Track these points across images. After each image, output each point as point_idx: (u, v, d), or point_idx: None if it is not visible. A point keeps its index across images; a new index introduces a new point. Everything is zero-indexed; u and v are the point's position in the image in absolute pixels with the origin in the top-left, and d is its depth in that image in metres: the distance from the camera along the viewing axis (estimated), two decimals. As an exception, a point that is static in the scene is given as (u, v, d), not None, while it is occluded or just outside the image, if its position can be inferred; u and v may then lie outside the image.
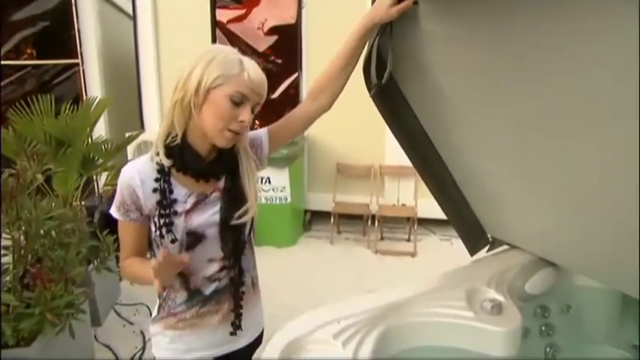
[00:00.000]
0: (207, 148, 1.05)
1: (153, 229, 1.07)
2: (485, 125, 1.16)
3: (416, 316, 1.19)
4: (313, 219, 4.56)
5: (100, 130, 4.20)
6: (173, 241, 1.05)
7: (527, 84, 0.94)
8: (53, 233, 2.01)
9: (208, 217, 1.07)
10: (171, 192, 1.04)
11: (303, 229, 4.42)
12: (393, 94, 1.26)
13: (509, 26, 0.87)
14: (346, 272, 3.54)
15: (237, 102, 0.97)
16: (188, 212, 1.05)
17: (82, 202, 2.81)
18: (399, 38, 1.07)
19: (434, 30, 1.02)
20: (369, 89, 1.13)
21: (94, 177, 3.27)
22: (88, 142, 2.76)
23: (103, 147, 2.77)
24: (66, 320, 1.80)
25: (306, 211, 4.49)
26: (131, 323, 2.82)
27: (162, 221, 1.04)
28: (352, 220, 4.38)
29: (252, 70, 0.99)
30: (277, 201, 3.91)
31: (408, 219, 4.12)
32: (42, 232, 1.84)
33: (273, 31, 4.39)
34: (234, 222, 1.07)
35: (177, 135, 1.02)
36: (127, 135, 3.21)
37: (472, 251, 1.67)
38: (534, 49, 0.86)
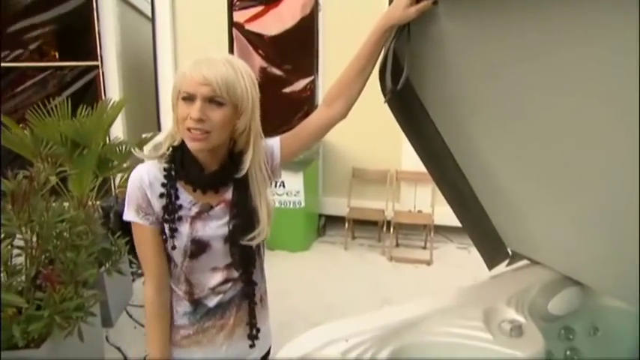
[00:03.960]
0: (208, 158, 1.02)
1: None
2: (508, 134, 1.10)
3: (429, 335, 1.13)
4: (327, 224, 4.51)
5: (118, 131, 4.25)
6: (173, 248, 1.03)
7: (555, 91, 0.88)
8: (66, 234, 2.02)
9: (214, 229, 1.04)
10: (177, 197, 1.02)
11: (317, 234, 4.37)
12: (409, 99, 1.20)
13: (538, 27, 0.81)
14: (360, 279, 3.47)
15: (187, 100, 0.94)
16: (193, 220, 1.03)
17: (98, 202, 2.83)
18: (416, 41, 1.02)
19: (455, 31, 0.96)
20: (385, 95, 1.08)
21: (111, 177, 3.29)
22: (104, 143, 2.78)
23: (118, 149, 2.79)
24: (75, 323, 1.80)
25: (320, 216, 4.45)
26: (142, 325, 2.81)
27: (167, 226, 1.02)
28: (367, 226, 4.30)
29: (193, 65, 0.95)
30: (291, 205, 3.87)
31: (425, 226, 4.03)
32: (54, 234, 1.84)
33: (288, 33, 4.36)
34: (244, 243, 1.03)
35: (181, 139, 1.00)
36: (143, 136, 3.23)
37: (490, 265, 1.60)
38: (565, 52, 0.79)
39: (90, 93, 4.55)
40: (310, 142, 1.15)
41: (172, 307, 1.10)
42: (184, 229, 1.02)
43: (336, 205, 4.28)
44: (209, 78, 0.91)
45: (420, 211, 4.12)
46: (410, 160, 4.03)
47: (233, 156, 1.03)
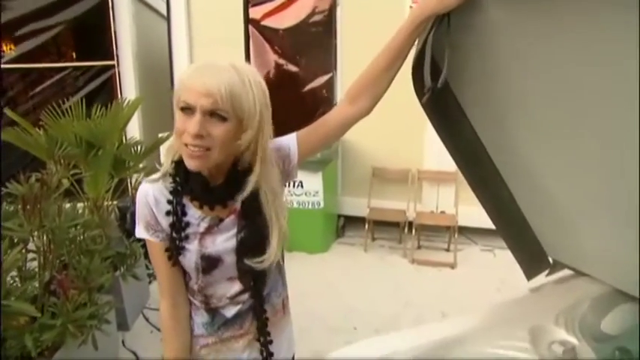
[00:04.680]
0: (211, 172, 0.92)
1: None
2: (560, 138, 0.98)
3: (471, 355, 1.02)
4: (346, 224, 4.40)
5: (134, 131, 4.22)
6: (183, 265, 0.97)
7: (616, 94, 0.76)
8: (80, 238, 1.97)
9: (223, 242, 0.96)
10: (184, 214, 0.95)
11: (336, 235, 4.27)
12: (445, 98, 1.08)
13: (605, 23, 0.68)
14: (380, 282, 3.36)
15: (186, 112, 0.83)
16: (202, 236, 0.95)
17: (115, 202, 2.79)
18: (456, 33, 0.90)
19: (503, 22, 0.84)
20: (419, 94, 0.96)
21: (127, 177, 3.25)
22: (120, 143, 2.73)
23: (133, 149, 2.73)
24: (89, 332, 1.74)
25: (339, 217, 4.34)
26: (158, 330, 2.75)
27: (173, 245, 0.95)
28: (387, 227, 4.18)
29: (193, 72, 0.84)
30: (310, 206, 3.77)
31: (448, 227, 3.88)
32: (67, 238, 1.78)
33: (305, 28, 4.26)
34: (249, 262, 0.94)
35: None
36: (159, 136, 3.18)
37: (529, 275, 1.48)
38: (627, 48, 0.67)
39: (106, 93, 4.54)
40: (329, 140, 1.05)
41: (191, 317, 1.05)
42: (193, 246, 0.95)
43: (356, 205, 4.16)
44: (211, 88, 0.80)
45: (442, 212, 3.97)
46: (432, 159, 3.91)
47: (237, 173, 0.92)
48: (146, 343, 2.62)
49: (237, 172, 0.92)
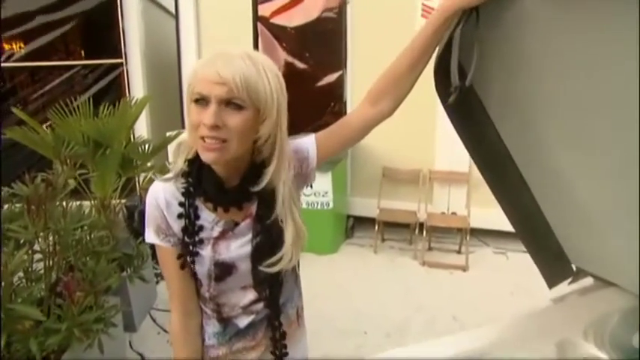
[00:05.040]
0: (228, 171, 0.87)
1: None
2: (590, 143, 0.91)
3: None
4: (355, 225, 4.34)
5: (142, 129, 4.20)
6: (195, 272, 0.92)
7: None
8: (87, 238, 1.93)
9: (238, 248, 0.91)
10: (197, 217, 0.89)
11: (345, 236, 4.21)
12: (469, 101, 1.02)
13: None
14: (391, 285, 3.31)
15: (200, 103, 0.79)
16: (215, 241, 0.90)
17: (124, 201, 2.76)
18: (486, 29, 0.83)
19: (539, 17, 0.77)
20: (442, 95, 0.90)
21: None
22: (127, 142, 2.70)
23: (141, 148, 2.70)
24: (95, 336, 1.70)
25: (348, 217, 4.28)
26: (166, 331, 2.72)
27: (185, 250, 0.90)
28: (396, 228, 4.11)
29: (205, 62, 0.80)
30: (319, 206, 3.72)
31: (459, 229, 3.81)
32: (73, 240, 1.75)
33: (315, 26, 4.21)
34: (265, 268, 0.89)
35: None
36: (167, 134, 3.15)
37: (551, 283, 1.42)
38: None
39: (114, 91, 4.52)
40: (349, 142, 1.00)
41: (202, 326, 1.00)
42: (206, 252, 0.89)
43: (365, 206, 4.11)
44: (225, 76, 0.76)
45: (454, 213, 3.90)
46: (443, 159, 3.84)
47: (254, 167, 0.87)
48: (153, 345, 2.59)
49: (254, 171, 0.87)
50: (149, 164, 2.85)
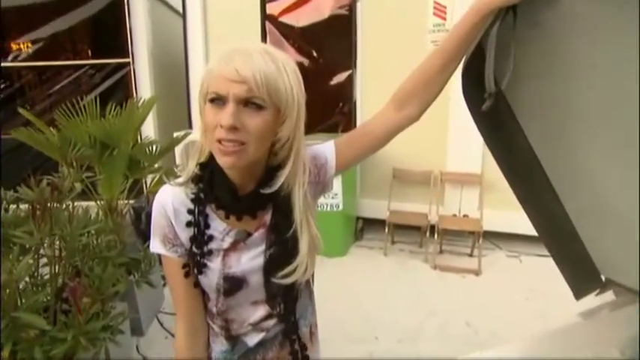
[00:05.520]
0: (242, 176, 0.81)
1: None
2: (629, 151, 0.84)
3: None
4: (365, 227, 4.28)
5: (149, 130, 4.17)
6: (203, 285, 0.87)
7: None
8: (93, 242, 1.89)
9: (250, 261, 0.85)
10: (207, 226, 0.83)
11: (355, 238, 4.15)
12: (497, 106, 0.95)
13: None
14: (401, 289, 3.24)
15: (216, 103, 0.73)
16: (226, 253, 0.84)
17: (132, 202, 2.72)
18: (523, 29, 0.77)
19: (582, 18, 0.70)
20: (473, 100, 0.83)
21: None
22: (135, 143, 2.66)
23: (148, 149, 2.65)
24: (102, 344, 1.65)
25: (357, 219, 4.21)
26: (173, 335, 2.68)
27: (193, 261, 0.84)
28: (406, 230, 4.04)
29: (222, 58, 0.73)
30: (328, 208, 3.66)
31: (472, 232, 3.73)
32: (79, 245, 1.70)
33: (324, 24, 4.14)
34: (278, 280, 0.83)
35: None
36: (174, 135, 3.11)
37: (579, 294, 1.35)
38: None
39: (121, 90, 4.50)
40: (371, 151, 0.93)
41: (209, 344, 0.94)
42: (215, 264, 0.83)
43: (375, 207, 4.04)
44: (244, 73, 0.70)
45: (465, 216, 3.82)
46: (455, 160, 3.76)
47: (270, 172, 0.81)
48: (160, 349, 2.55)
49: (270, 177, 0.81)
50: (156, 165, 2.81)
